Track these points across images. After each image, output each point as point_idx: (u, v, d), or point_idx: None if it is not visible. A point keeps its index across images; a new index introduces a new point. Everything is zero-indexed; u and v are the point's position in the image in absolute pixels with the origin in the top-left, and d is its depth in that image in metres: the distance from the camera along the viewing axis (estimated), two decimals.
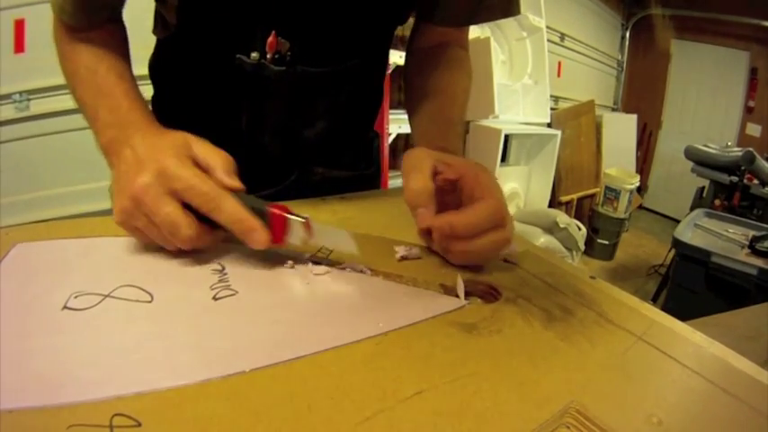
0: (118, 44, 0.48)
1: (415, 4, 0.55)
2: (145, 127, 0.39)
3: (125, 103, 0.42)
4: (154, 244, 0.34)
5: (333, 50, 0.52)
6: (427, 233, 0.40)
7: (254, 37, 0.48)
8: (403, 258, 0.40)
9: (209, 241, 0.35)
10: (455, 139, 0.51)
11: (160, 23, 0.53)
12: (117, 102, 0.42)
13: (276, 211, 0.34)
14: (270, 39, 0.48)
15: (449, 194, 0.40)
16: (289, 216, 0.34)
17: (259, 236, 0.33)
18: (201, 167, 0.34)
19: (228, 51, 0.49)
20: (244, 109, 0.53)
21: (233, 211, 0.32)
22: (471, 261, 0.39)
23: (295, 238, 0.34)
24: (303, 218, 0.34)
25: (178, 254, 0.35)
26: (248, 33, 0.48)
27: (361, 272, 0.36)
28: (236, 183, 0.34)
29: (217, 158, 0.35)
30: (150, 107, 0.45)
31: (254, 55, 0.49)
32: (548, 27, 2.62)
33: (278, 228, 0.34)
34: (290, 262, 0.36)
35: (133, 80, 0.46)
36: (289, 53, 0.50)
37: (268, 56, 0.49)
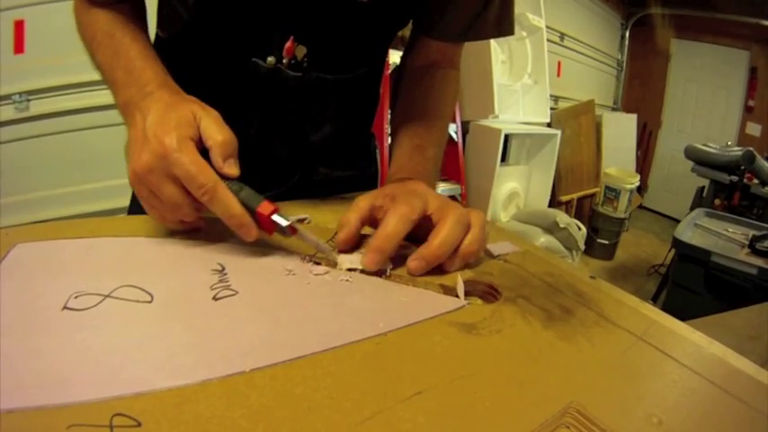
0: (134, 12, 0.48)
1: (416, 11, 0.56)
2: (158, 88, 0.40)
3: (139, 63, 0.42)
4: (159, 218, 0.36)
5: (347, 57, 0.53)
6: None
7: (272, 41, 0.48)
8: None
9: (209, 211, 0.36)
10: (424, 166, 0.52)
11: (167, 20, 0.53)
12: (131, 63, 0.42)
13: (262, 212, 0.35)
14: (288, 44, 0.48)
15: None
16: (273, 218, 0.35)
17: (247, 231, 0.35)
18: (205, 145, 0.36)
19: (244, 54, 0.49)
20: (255, 113, 0.53)
21: (225, 206, 0.34)
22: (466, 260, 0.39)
23: (282, 232, 0.36)
24: (287, 220, 0.36)
25: (178, 253, 0.35)
26: (266, 37, 0.48)
27: (361, 272, 0.36)
28: (231, 169, 0.35)
29: (218, 138, 0.35)
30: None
31: (270, 59, 0.49)
32: (547, 27, 2.61)
33: (265, 225, 0.36)
34: (289, 262, 0.36)
35: (148, 42, 0.46)
36: (305, 59, 0.50)
37: (284, 61, 0.49)
